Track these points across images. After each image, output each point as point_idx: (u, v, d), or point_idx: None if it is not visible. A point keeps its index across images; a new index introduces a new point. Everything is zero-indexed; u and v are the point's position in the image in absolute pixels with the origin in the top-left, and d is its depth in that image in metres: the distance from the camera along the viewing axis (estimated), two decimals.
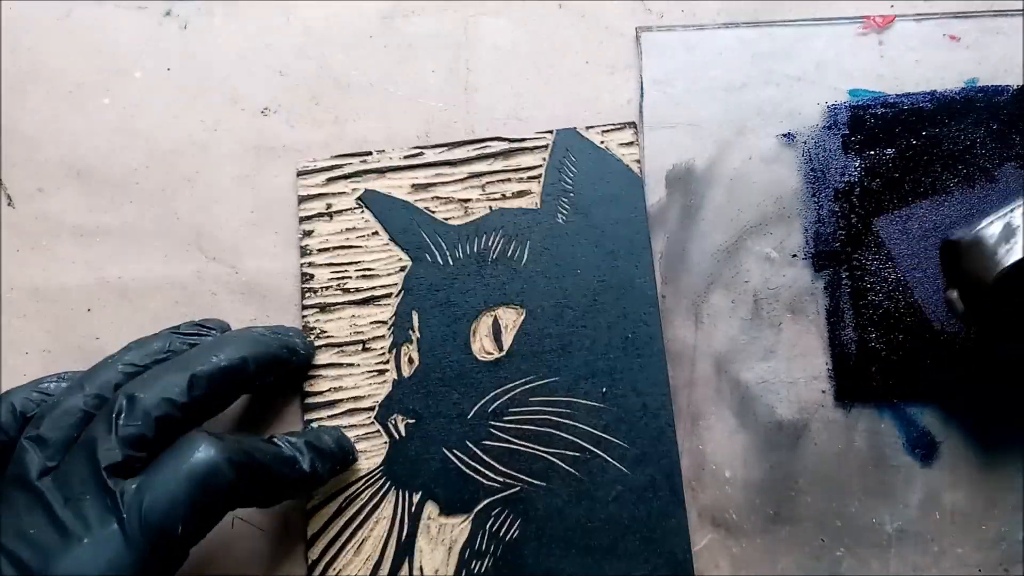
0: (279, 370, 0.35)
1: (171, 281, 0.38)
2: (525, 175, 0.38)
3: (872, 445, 0.34)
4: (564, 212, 0.38)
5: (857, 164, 0.36)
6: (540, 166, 0.38)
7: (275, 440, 0.33)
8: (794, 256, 0.36)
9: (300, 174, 0.38)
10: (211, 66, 0.41)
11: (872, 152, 0.36)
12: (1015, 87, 0.37)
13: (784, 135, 0.38)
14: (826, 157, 0.37)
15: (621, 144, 0.38)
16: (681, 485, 0.35)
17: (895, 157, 0.36)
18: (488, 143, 0.38)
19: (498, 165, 0.38)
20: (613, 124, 0.38)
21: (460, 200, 0.38)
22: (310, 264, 0.37)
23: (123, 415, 0.30)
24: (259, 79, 0.41)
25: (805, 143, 0.37)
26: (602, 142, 0.38)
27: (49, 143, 0.40)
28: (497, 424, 0.35)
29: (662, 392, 0.35)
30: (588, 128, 0.38)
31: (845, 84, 0.38)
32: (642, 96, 0.39)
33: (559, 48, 0.40)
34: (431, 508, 0.35)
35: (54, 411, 0.31)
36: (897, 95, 0.37)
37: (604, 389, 0.36)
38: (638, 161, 0.37)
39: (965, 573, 0.33)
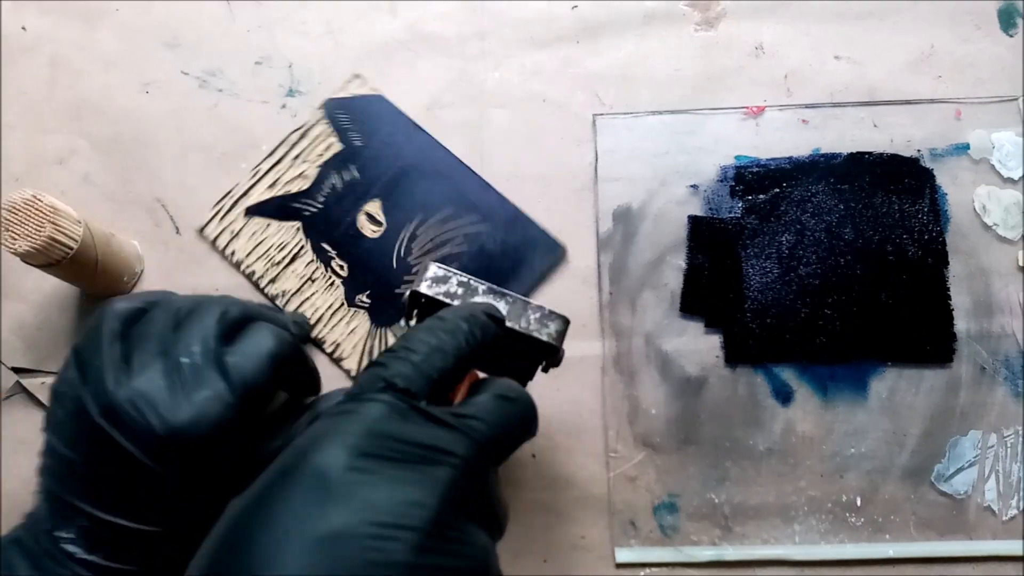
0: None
1: None
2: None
3: (749, 392, 0.42)
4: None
5: (739, 205, 0.45)
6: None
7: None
8: None
9: None
10: None
11: (750, 197, 0.45)
12: (845, 154, 0.45)
13: (691, 186, 0.45)
14: (719, 200, 0.45)
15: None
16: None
17: (765, 200, 0.45)
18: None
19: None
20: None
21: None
22: None
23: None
24: None
25: (705, 191, 0.45)
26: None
27: (203, 191, 0.47)
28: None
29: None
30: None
31: (732, 152, 0.46)
32: (596, 159, 0.46)
33: (543, 128, 0.47)
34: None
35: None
36: (767, 159, 0.45)
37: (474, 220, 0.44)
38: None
39: (811, 477, 0.41)
